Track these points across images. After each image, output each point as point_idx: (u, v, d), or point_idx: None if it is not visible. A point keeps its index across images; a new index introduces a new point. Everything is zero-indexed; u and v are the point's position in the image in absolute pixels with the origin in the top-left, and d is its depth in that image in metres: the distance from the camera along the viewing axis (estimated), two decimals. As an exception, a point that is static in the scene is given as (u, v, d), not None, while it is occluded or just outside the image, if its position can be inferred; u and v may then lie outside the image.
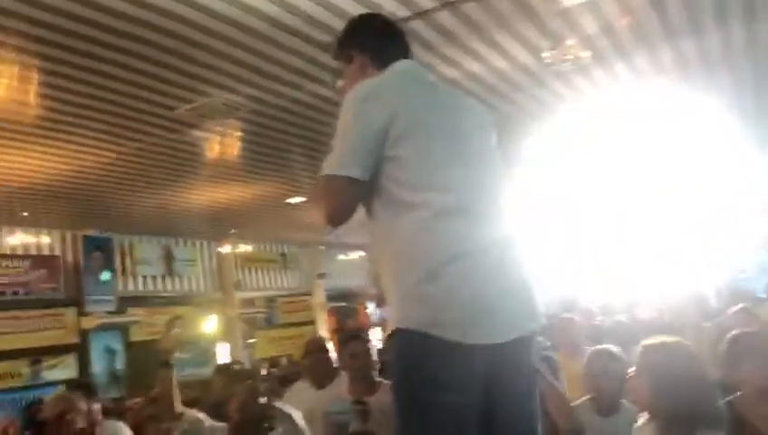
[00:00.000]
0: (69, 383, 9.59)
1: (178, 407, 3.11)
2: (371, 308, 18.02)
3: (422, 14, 4.86)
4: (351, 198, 1.93)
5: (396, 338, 1.84)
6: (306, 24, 4.80)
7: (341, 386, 3.56)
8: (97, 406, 4.36)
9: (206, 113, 6.06)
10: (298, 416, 3.25)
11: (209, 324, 12.34)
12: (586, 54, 5.20)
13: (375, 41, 2.21)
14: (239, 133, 7.17)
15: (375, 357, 3.61)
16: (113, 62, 4.97)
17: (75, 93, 5.46)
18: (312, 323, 15.13)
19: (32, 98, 5.56)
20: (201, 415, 3.25)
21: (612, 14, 5.26)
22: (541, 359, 3.77)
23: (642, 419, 2.47)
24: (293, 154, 8.17)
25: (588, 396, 3.29)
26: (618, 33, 5.64)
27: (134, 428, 4.32)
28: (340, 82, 2.32)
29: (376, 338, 16.35)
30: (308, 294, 15.66)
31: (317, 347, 4.00)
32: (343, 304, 17.55)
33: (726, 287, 8.91)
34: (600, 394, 3.23)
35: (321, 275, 15.67)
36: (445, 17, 4.98)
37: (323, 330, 15.01)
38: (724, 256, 13.34)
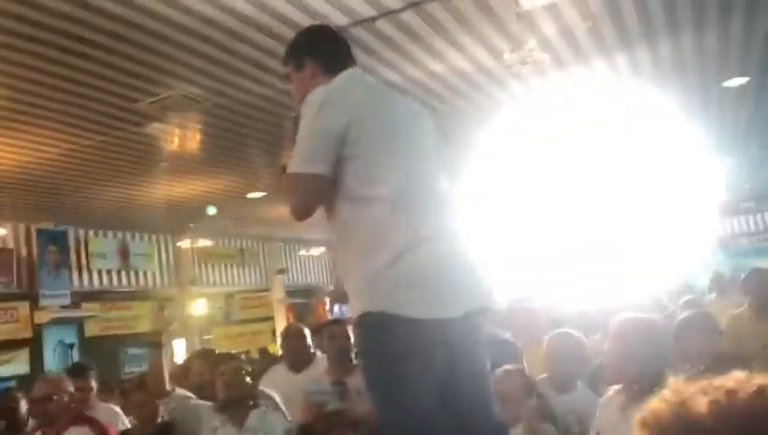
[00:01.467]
0: (22, 379, 9.46)
1: (167, 386, 3.21)
2: (329, 305, 18.09)
3: (387, 14, 4.94)
4: (319, 192, 2.13)
5: (364, 321, 2.04)
6: (272, 19, 4.84)
7: (317, 369, 3.69)
8: (92, 387, 4.38)
9: (169, 106, 6.04)
10: (278, 398, 3.36)
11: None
12: (544, 57, 5.35)
13: (326, 50, 2.40)
14: (200, 127, 7.15)
15: (349, 341, 3.71)
16: (72, 51, 4.92)
17: (33, 82, 5.38)
18: (270, 319, 15.09)
19: (-12, 87, 5.47)
20: (189, 393, 3.33)
21: (571, 18, 5.44)
22: (502, 341, 3.94)
23: (611, 390, 2.64)
24: (254, 149, 8.17)
25: (545, 374, 3.43)
26: (576, 36, 5.83)
27: (123, 408, 4.39)
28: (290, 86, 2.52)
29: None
30: (267, 290, 15.62)
31: (295, 332, 4.15)
32: (303, 300, 17.56)
33: (675, 286, 9.24)
34: (557, 372, 3.37)
35: (281, 271, 15.65)
36: (409, 17, 5.08)
37: (281, 326, 15.00)
38: (674, 256, 13.77)
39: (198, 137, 7.46)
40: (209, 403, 3.27)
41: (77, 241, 11.30)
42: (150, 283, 12.56)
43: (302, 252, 16.74)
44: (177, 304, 12.98)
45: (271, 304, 15.61)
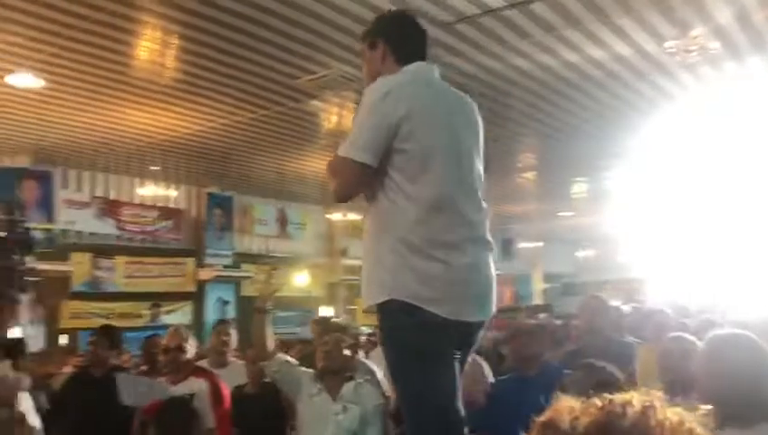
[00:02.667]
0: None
1: (271, 349, 3.37)
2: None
3: (547, -4, 4.84)
4: (362, 180, 2.22)
5: (388, 306, 2.16)
6: (429, 4, 4.90)
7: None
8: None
9: (326, 84, 6.32)
10: (380, 373, 3.45)
11: (312, 287, 12.86)
12: (714, 45, 4.98)
13: (401, 36, 2.43)
14: (355, 106, 7.40)
15: None
16: (244, 31, 5.30)
17: (210, 59, 5.86)
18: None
19: (170, 61, 6.02)
20: (291, 359, 3.51)
21: (749, 3, 5.02)
22: (618, 343, 3.79)
23: (701, 411, 2.42)
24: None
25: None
26: (754, 24, 5.37)
27: None
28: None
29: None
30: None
31: None
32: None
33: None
34: (670, 378, 3.17)
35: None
36: (569, 0, 4.93)
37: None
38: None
39: (352, 115, 7.72)
40: (310, 371, 3.40)
41: (241, 206, 12.13)
42: (304, 250, 13.23)
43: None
44: (327, 273, 13.61)
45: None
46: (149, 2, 4.82)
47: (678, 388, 3.04)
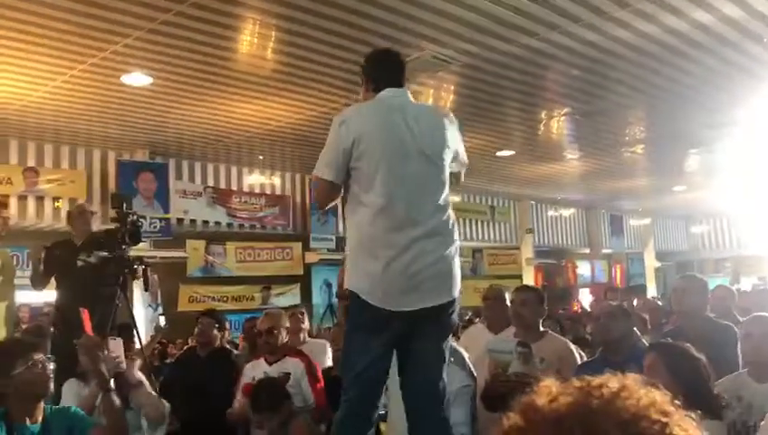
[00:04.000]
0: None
1: None
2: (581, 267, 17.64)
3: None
4: (329, 193, 2.75)
5: (350, 295, 2.67)
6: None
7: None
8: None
9: (418, 67, 6.34)
10: (467, 356, 3.46)
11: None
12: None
13: (375, 70, 2.88)
14: (450, 87, 7.40)
15: (540, 308, 3.67)
16: (340, 20, 5.42)
17: (308, 49, 6.03)
18: (518, 277, 15.22)
19: (270, 53, 6.24)
20: None
21: None
22: (723, 326, 3.60)
23: None
24: (504, 107, 8.24)
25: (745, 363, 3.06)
26: None
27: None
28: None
29: (584, 297, 16.15)
30: (515, 248, 15.73)
31: (495, 295, 4.20)
32: (552, 261, 17.38)
33: None
34: (751, 359, 2.99)
35: (529, 231, 15.63)
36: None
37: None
38: None
39: (449, 96, 7.73)
40: None
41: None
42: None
43: (552, 212, 16.50)
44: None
45: (519, 263, 15.71)
46: (248, -3, 5.02)
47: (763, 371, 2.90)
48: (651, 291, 16.12)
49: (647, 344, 3.93)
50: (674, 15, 5.59)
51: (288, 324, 4.15)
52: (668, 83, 7.42)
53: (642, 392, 0.75)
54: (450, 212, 2.71)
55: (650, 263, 19.10)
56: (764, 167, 12.15)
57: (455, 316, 2.70)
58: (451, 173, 2.78)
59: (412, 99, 2.87)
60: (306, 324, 5.05)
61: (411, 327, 2.61)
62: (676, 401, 0.76)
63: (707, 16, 5.64)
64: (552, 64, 6.73)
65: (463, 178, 2.97)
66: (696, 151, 11.24)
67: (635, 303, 8.14)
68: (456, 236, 2.71)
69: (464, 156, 2.89)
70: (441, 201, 2.67)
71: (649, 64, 6.79)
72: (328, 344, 4.95)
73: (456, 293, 2.65)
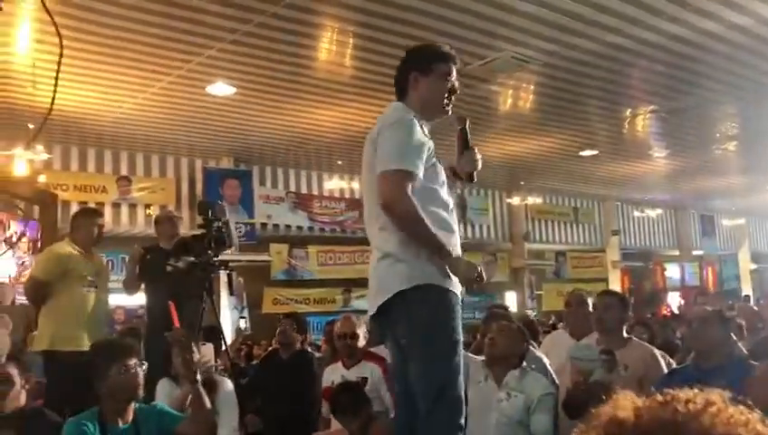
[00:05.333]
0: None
1: None
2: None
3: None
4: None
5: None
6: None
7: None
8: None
9: (498, 67, 6.28)
10: (547, 361, 3.38)
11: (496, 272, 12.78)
12: None
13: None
14: (531, 86, 7.29)
15: (624, 313, 3.54)
16: (416, 24, 5.42)
17: (384, 55, 6.06)
18: (603, 280, 14.79)
19: (347, 60, 6.33)
20: None
21: None
22: None
23: None
24: (587, 106, 8.04)
25: None
26: None
27: None
28: None
29: (674, 301, 15.54)
30: (600, 250, 15.30)
31: (577, 301, 4.09)
32: (639, 263, 16.81)
33: None
34: None
35: (615, 232, 15.16)
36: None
37: (616, 289, 14.59)
38: None
39: (530, 96, 7.61)
40: (479, 358, 3.40)
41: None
42: (485, 235, 13.24)
43: (637, 213, 15.95)
44: (510, 257, 13.52)
45: (605, 265, 15.27)
46: (325, 5, 5.11)
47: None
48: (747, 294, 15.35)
49: (744, 352, 3.74)
50: (765, 3, 5.32)
51: (364, 328, 4.18)
52: (761, 76, 7.06)
53: (732, 410, 0.72)
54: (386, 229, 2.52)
55: (745, 265, 18.16)
56: None
57: (409, 311, 2.43)
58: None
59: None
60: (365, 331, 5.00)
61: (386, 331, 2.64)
62: None
63: (804, 4, 5.34)
64: (635, 61, 6.52)
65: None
66: (795, 147, 10.64)
67: (730, 307, 7.78)
68: (385, 238, 2.53)
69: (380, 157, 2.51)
70: (378, 216, 2.55)
71: (739, 57, 6.47)
72: None
73: (388, 294, 2.44)
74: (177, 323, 2.70)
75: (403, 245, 2.46)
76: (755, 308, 5.58)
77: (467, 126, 2.72)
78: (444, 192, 2.56)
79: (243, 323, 8.17)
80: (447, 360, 2.41)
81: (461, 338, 2.49)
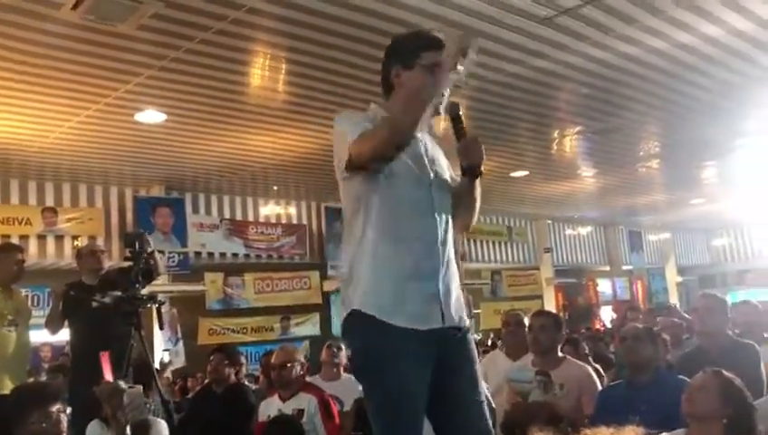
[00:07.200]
0: (313, 340, 10.73)
1: None
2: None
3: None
4: None
5: None
6: (527, 2, 4.85)
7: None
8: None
9: (430, 92, 6.35)
10: (485, 385, 3.41)
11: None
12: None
13: None
14: (460, 111, 7.39)
15: (558, 333, 3.61)
16: (347, 50, 5.46)
17: (317, 80, 6.08)
18: (539, 297, 15.08)
19: (280, 85, 6.30)
20: None
21: None
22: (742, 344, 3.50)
23: None
24: (516, 128, 8.23)
25: None
26: None
27: None
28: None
29: (606, 314, 15.95)
30: (535, 268, 15.61)
31: (515, 321, 4.14)
32: (572, 280, 17.22)
33: None
34: None
35: (548, 250, 15.51)
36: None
37: (551, 305, 14.90)
38: None
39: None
40: None
41: (359, 218, 12.37)
42: (423, 258, 13.28)
43: (569, 230, 16.39)
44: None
45: (539, 282, 15.58)
46: (255, 32, 5.08)
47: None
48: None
49: (670, 363, 3.86)
50: (682, 30, 5.58)
51: (302, 358, 4.11)
52: (680, 97, 7.38)
53: None
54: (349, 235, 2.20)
55: (672, 278, 18.85)
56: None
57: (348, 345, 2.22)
58: None
59: None
60: (342, 359, 4.86)
61: None
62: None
63: (715, 29, 5.61)
64: (561, 84, 6.73)
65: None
66: (712, 163, 11.15)
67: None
68: (347, 253, 2.18)
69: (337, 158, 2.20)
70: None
71: (660, 80, 6.76)
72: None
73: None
74: (108, 376, 2.59)
75: None
76: (675, 320, 5.77)
77: (460, 112, 2.29)
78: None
79: (167, 357, 7.94)
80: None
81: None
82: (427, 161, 2.21)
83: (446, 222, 2.19)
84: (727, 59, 6.31)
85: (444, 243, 2.14)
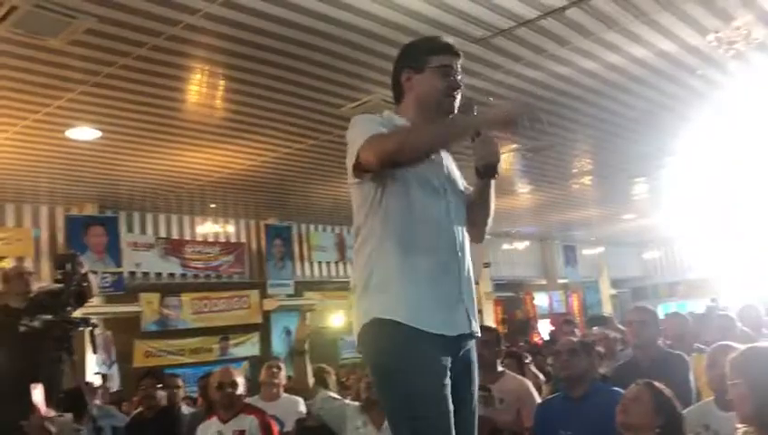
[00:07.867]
0: (253, 360, 10.55)
1: (311, 387, 3.48)
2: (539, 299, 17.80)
3: (581, 2, 4.81)
4: None
5: None
6: (462, 22, 4.94)
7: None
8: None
9: (369, 110, 6.39)
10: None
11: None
12: (759, 34, 4.84)
13: None
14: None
15: (498, 348, 3.68)
16: (286, 67, 5.45)
17: (256, 97, 6.04)
18: (479, 312, 15.21)
19: (218, 102, 6.22)
20: (333, 394, 3.59)
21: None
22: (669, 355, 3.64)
23: (740, 430, 2.33)
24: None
25: (712, 395, 3.12)
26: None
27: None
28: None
29: (544, 328, 16.24)
30: (474, 282, 15.75)
31: None
32: (510, 293, 17.50)
33: None
34: (720, 387, 3.05)
35: (486, 265, 15.72)
36: (602, 3, 4.89)
37: (490, 320, 15.09)
38: None
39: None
40: (355, 404, 3.42)
41: (299, 235, 12.33)
42: (364, 275, 13.27)
43: (506, 245, 16.68)
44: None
45: (479, 297, 15.75)
46: (192, 48, 5.02)
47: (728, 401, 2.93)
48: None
49: (605, 375, 3.96)
50: (611, 51, 5.78)
51: (241, 379, 4.05)
52: (610, 116, 7.65)
53: None
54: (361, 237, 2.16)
55: (606, 290, 19.39)
56: (711, 190, 12.56)
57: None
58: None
59: None
60: (282, 379, 4.83)
61: None
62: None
63: (643, 51, 5.84)
64: (494, 104, 6.86)
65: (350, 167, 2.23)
66: (643, 180, 11.57)
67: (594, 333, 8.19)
68: (361, 262, 2.14)
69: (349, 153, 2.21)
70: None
71: (591, 99, 6.99)
72: (302, 402, 4.50)
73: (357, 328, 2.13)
74: (39, 410, 2.48)
75: None
76: (606, 332, 5.92)
77: (475, 111, 2.31)
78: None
79: (97, 381, 7.68)
80: None
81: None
82: (443, 169, 2.26)
83: (463, 229, 2.24)
84: (655, 79, 6.57)
85: (462, 249, 2.20)
